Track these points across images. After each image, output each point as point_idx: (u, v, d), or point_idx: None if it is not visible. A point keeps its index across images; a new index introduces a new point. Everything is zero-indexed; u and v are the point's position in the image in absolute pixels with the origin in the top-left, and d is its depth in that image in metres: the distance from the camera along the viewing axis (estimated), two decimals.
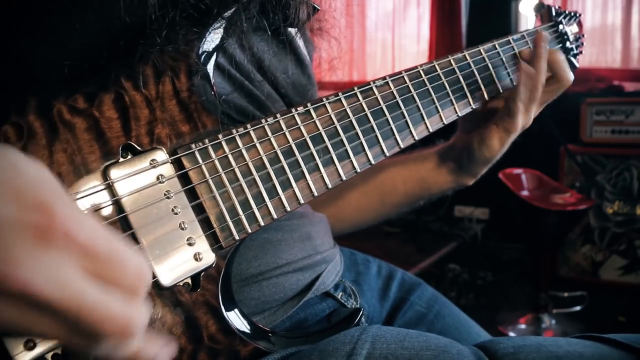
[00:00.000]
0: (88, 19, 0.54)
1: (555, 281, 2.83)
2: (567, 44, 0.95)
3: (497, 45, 0.82)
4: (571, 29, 0.98)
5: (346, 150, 0.62)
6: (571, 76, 0.87)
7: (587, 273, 2.97)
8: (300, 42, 0.77)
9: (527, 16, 3.39)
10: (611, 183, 2.91)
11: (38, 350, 0.42)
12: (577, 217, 2.76)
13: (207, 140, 0.53)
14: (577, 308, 2.72)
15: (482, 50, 0.80)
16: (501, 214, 3.42)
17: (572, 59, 0.97)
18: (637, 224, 2.86)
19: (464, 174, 0.92)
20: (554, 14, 0.95)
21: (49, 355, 0.43)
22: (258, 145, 0.56)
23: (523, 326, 2.63)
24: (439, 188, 0.95)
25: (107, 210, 0.48)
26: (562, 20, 0.96)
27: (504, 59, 0.83)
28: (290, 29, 0.72)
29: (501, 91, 0.82)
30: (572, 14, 0.99)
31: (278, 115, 0.58)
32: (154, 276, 0.49)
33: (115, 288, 0.37)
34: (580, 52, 1.00)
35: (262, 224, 0.56)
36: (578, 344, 0.57)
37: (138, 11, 0.53)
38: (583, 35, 1.01)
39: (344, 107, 0.63)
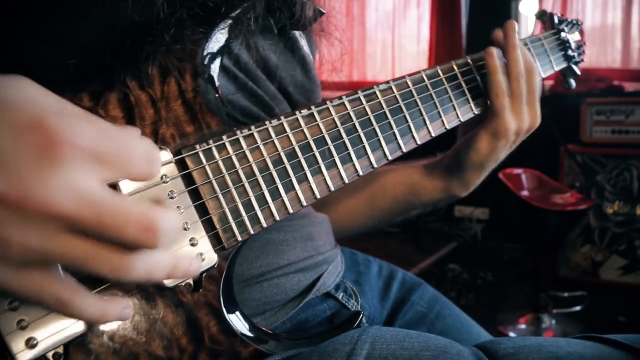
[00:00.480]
0: (92, 18, 0.54)
1: (555, 281, 2.84)
2: (569, 51, 0.96)
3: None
4: (573, 37, 0.98)
5: (349, 153, 0.63)
6: (529, 65, 0.80)
7: (587, 273, 2.97)
8: (303, 42, 0.77)
9: (527, 16, 3.39)
10: (611, 183, 2.91)
11: (40, 348, 0.42)
12: (577, 217, 2.76)
13: (211, 141, 0.54)
14: (577, 308, 2.73)
15: (481, 57, 0.80)
16: (501, 214, 3.43)
17: (574, 66, 0.97)
18: (637, 224, 2.86)
19: (454, 181, 0.88)
20: (556, 21, 0.95)
21: (50, 354, 0.44)
22: (262, 147, 0.56)
23: (523, 326, 2.64)
24: (429, 196, 0.91)
25: None
26: (565, 27, 0.96)
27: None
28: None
29: None
30: (574, 22, 0.99)
31: (282, 118, 0.58)
32: None
33: (131, 174, 0.38)
34: (582, 60, 1.00)
35: (264, 225, 0.56)
36: (578, 345, 0.57)
37: (145, 10, 0.53)
38: (584, 44, 1.01)
39: (347, 110, 0.63)
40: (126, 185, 0.48)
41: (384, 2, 4.06)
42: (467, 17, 3.77)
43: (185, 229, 0.51)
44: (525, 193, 2.71)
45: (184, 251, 0.51)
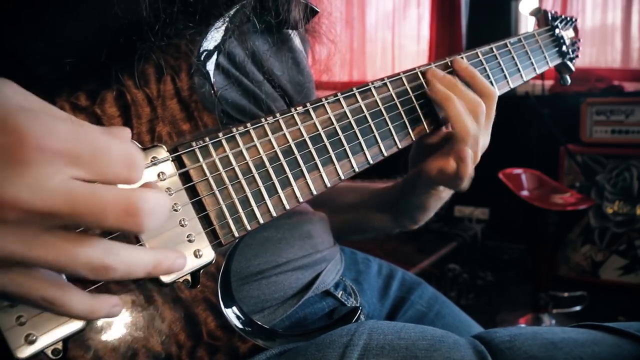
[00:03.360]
0: (85, 16, 0.54)
1: (555, 281, 2.83)
2: (564, 47, 0.97)
3: (494, 49, 0.83)
4: (567, 34, 0.99)
5: (345, 150, 0.63)
6: (470, 127, 0.71)
7: (587, 273, 2.97)
8: (297, 40, 0.77)
9: (527, 16, 3.39)
10: (611, 183, 2.91)
11: (38, 344, 0.43)
12: (577, 217, 2.76)
13: (207, 139, 0.54)
14: (577, 308, 2.73)
15: (479, 53, 0.81)
16: (501, 214, 3.43)
17: (569, 62, 0.98)
18: (637, 224, 2.86)
19: (400, 216, 0.88)
20: (550, 18, 0.96)
21: (49, 350, 0.44)
22: (258, 144, 0.57)
23: (523, 326, 2.63)
24: (379, 222, 0.91)
25: None
26: (559, 24, 0.97)
27: (500, 61, 0.83)
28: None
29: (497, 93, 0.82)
30: (568, 18, 1.00)
31: (278, 115, 0.59)
32: None
33: (107, 178, 0.36)
34: (577, 57, 1.00)
35: (261, 221, 0.56)
36: (572, 331, 0.58)
37: (131, 6, 0.53)
38: (579, 40, 1.02)
39: (343, 107, 0.64)
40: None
41: (384, 2, 4.06)
42: (467, 17, 3.78)
43: (182, 226, 0.51)
44: (525, 193, 2.71)
45: (173, 246, 0.50)
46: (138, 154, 0.39)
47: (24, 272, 0.37)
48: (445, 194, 0.83)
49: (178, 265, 0.45)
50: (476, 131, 0.71)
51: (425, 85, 0.72)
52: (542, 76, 3.17)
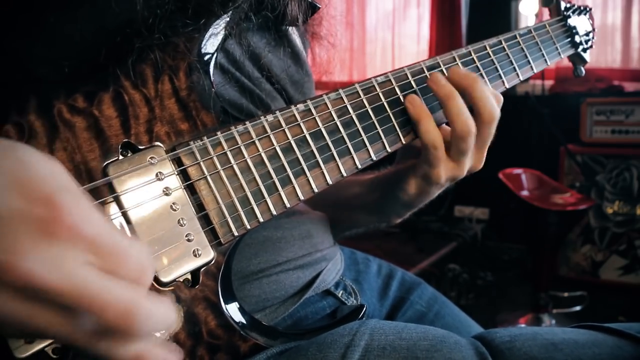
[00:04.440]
0: (83, 17, 0.54)
1: (555, 281, 2.83)
2: (576, 37, 0.93)
3: (502, 41, 0.80)
4: (581, 23, 0.95)
5: (347, 146, 0.62)
6: (496, 110, 0.68)
7: (587, 273, 2.97)
8: (296, 37, 0.77)
9: (527, 16, 3.39)
10: (611, 183, 2.91)
11: (38, 343, 0.42)
12: (577, 217, 2.76)
13: (205, 138, 0.54)
14: (577, 308, 2.73)
15: (487, 46, 0.79)
16: (501, 214, 3.43)
17: (582, 53, 0.95)
18: (637, 224, 2.86)
19: (384, 210, 0.84)
20: (562, 7, 0.93)
21: (49, 349, 0.44)
22: (257, 142, 0.56)
23: (523, 326, 2.63)
24: (362, 219, 0.88)
25: (108, 208, 0.49)
26: (571, 14, 0.93)
27: (500, 57, 0.82)
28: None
29: (506, 86, 0.80)
30: (582, 8, 0.96)
31: (277, 112, 0.58)
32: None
33: (118, 279, 0.38)
34: (591, 46, 0.97)
35: (261, 220, 0.56)
36: (573, 332, 0.58)
37: (127, 5, 0.53)
38: (594, 29, 0.98)
39: (344, 103, 0.63)
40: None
41: (384, 2, 4.06)
42: (467, 17, 3.78)
43: (181, 225, 0.51)
44: (525, 193, 2.71)
45: (180, 249, 0.51)
46: (151, 263, 0.41)
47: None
48: (434, 190, 0.77)
49: None
50: (475, 130, 0.68)
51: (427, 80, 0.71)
52: (542, 76, 3.17)
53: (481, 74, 0.77)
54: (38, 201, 0.35)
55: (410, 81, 0.69)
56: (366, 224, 0.90)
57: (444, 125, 0.71)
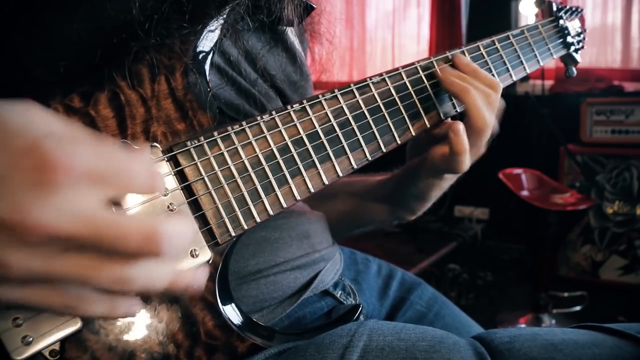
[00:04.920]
0: (81, 18, 0.54)
1: (555, 281, 2.83)
2: (568, 38, 0.95)
3: (495, 41, 0.82)
4: (572, 24, 0.96)
5: (343, 147, 0.62)
6: (488, 118, 0.71)
7: (587, 273, 2.96)
8: (294, 38, 0.77)
9: (527, 16, 3.39)
10: (611, 183, 2.91)
11: (35, 345, 0.43)
12: (577, 217, 2.76)
13: (202, 138, 0.54)
14: (577, 308, 2.72)
15: (480, 47, 0.80)
16: (501, 214, 3.43)
17: (574, 54, 0.97)
18: (637, 224, 2.85)
19: (397, 206, 0.87)
20: (554, 9, 0.94)
21: (46, 351, 0.44)
22: (254, 143, 0.56)
23: (523, 326, 2.63)
24: (378, 214, 0.90)
25: None
26: (563, 15, 0.95)
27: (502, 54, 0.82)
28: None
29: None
30: (574, 9, 0.98)
31: (273, 113, 0.58)
32: None
33: (134, 192, 0.39)
34: (582, 47, 0.98)
35: (258, 220, 0.56)
36: (572, 332, 0.58)
37: (123, 6, 0.53)
38: (585, 30, 0.99)
39: (340, 104, 0.63)
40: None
41: (384, 2, 4.06)
42: (467, 17, 3.78)
43: None
44: (525, 193, 2.71)
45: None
46: (157, 170, 0.42)
47: (45, 286, 0.38)
48: (445, 183, 0.81)
49: (198, 280, 0.45)
50: (493, 122, 0.72)
51: (424, 80, 0.71)
52: (542, 76, 3.17)
53: None
54: (22, 153, 0.35)
55: (405, 82, 0.70)
56: (380, 216, 0.91)
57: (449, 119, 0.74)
